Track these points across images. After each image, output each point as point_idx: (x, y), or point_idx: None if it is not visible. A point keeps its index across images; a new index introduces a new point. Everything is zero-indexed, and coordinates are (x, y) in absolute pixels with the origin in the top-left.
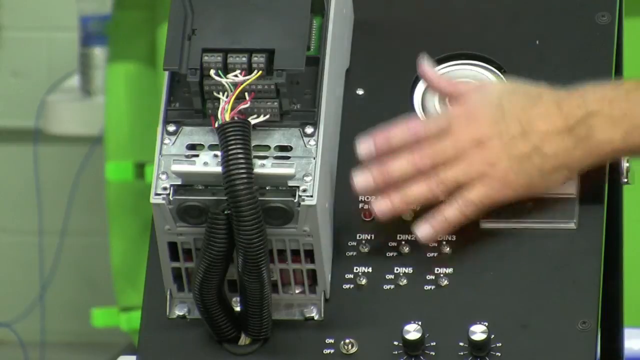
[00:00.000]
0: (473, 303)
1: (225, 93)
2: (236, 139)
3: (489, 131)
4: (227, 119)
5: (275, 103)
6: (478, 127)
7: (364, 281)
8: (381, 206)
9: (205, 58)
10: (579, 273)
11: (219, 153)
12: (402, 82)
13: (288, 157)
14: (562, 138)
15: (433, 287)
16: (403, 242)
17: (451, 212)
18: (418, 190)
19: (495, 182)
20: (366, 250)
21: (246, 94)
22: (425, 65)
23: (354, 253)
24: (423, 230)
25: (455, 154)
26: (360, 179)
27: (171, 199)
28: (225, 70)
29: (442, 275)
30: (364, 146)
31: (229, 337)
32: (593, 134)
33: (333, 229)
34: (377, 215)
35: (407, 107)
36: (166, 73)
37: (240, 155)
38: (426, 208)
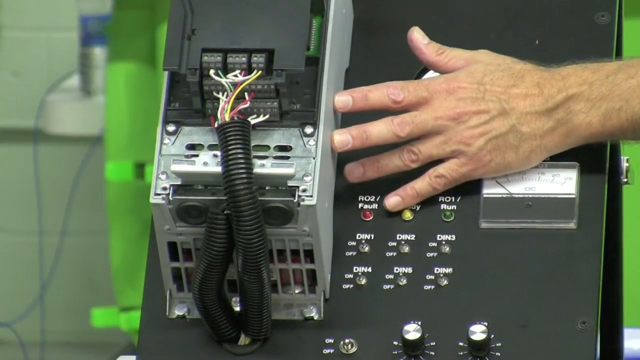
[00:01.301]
0: (473, 303)
1: (225, 93)
2: (236, 139)
3: (468, 109)
4: (227, 119)
5: (275, 103)
6: (457, 104)
7: (363, 281)
8: (354, 172)
9: (205, 58)
10: (579, 273)
11: (218, 153)
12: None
13: (288, 157)
14: (541, 120)
15: (433, 287)
16: (403, 242)
17: (421, 185)
18: (391, 161)
19: (468, 159)
20: (366, 250)
21: (246, 94)
22: (415, 33)
23: (354, 253)
24: (392, 200)
25: (434, 127)
26: (339, 137)
27: (171, 199)
28: (225, 70)
29: (441, 275)
30: (342, 99)
31: (228, 337)
32: (572, 117)
33: (333, 229)
34: (348, 179)
35: None
36: (166, 73)
37: (240, 155)
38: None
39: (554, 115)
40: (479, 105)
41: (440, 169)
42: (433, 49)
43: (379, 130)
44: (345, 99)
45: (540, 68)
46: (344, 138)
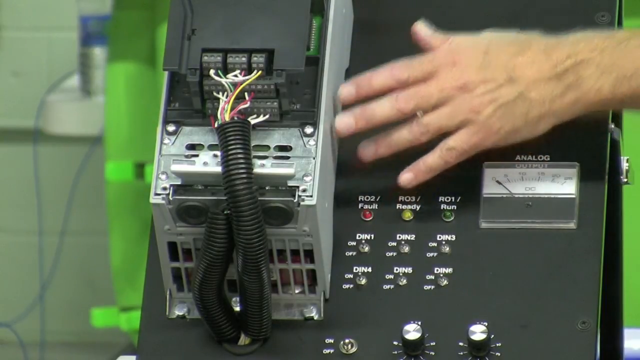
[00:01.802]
0: (473, 303)
1: (225, 93)
2: (236, 139)
3: (474, 78)
4: (227, 119)
5: (275, 103)
6: (463, 73)
7: (363, 281)
8: (366, 150)
9: (205, 58)
10: (579, 273)
11: (218, 153)
12: None
13: (288, 157)
14: (549, 85)
15: (433, 287)
16: (403, 242)
17: (432, 159)
18: (401, 135)
19: (478, 128)
20: (366, 250)
21: (246, 94)
22: (419, 25)
23: (354, 253)
24: (405, 177)
25: (439, 99)
26: (342, 121)
27: (171, 199)
28: (225, 70)
29: (441, 275)
30: (346, 89)
31: (228, 337)
32: (582, 83)
33: (333, 229)
34: (362, 158)
35: None
36: (166, 73)
37: (240, 155)
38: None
39: (562, 81)
40: (484, 74)
41: (450, 141)
42: (438, 38)
43: (382, 108)
44: (349, 89)
45: (548, 37)
46: (347, 120)
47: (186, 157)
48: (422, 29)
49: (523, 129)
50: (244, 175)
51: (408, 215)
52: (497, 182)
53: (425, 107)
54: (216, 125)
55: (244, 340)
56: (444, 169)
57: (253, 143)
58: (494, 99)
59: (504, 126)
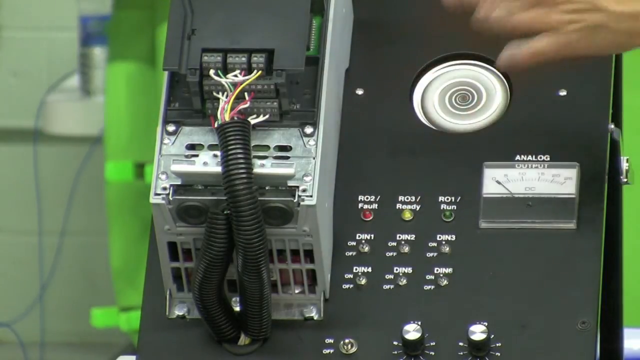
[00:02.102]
0: (472, 303)
1: (225, 93)
2: (236, 139)
3: None
4: (227, 119)
5: (275, 103)
6: None
7: (363, 281)
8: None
9: (205, 58)
10: (578, 273)
11: (218, 153)
12: (402, 82)
13: (288, 157)
14: (631, 22)
15: (432, 287)
16: (403, 242)
17: (521, 55)
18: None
19: (561, 39)
20: (366, 250)
21: (246, 94)
22: None
23: (354, 253)
24: (502, 63)
25: (528, 2)
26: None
27: (171, 199)
28: (225, 70)
29: (441, 275)
30: None
31: (228, 337)
32: None
33: (333, 228)
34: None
35: (406, 107)
36: (166, 73)
37: (240, 155)
38: None
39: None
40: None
41: (535, 42)
42: None
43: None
44: None
45: None
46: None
47: (186, 157)
48: None
49: (604, 50)
50: (244, 175)
51: (408, 215)
52: (497, 182)
53: (518, 8)
54: (216, 125)
55: (244, 340)
56: (532, 66)
57: (253, 143)
58: (575, 20)
59: (582, 47)
